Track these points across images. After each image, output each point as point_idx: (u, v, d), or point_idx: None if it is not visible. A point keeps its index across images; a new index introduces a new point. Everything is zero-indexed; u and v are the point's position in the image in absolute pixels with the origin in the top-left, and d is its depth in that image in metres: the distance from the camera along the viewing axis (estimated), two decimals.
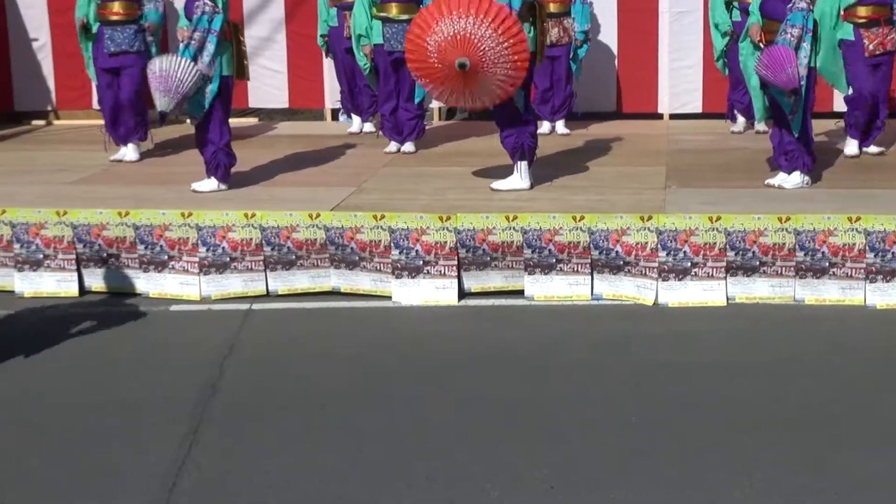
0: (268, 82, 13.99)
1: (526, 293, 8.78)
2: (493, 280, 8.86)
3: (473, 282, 8.85)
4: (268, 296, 8.95)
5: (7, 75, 14.20)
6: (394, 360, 7.66)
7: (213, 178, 9.91)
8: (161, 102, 9.55)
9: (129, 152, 11.36)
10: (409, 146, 11.59)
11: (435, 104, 13.52)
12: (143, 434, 6.53)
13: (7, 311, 8.78)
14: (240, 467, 6.11)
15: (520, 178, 9.78)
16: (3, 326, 8.41)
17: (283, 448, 6.33)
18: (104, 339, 8.19)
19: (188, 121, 10.52)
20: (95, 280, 9.18)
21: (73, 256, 9.12)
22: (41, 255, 9.15)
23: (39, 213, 9.18)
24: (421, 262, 8.79)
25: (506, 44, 9.28)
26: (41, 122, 14.32)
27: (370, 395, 7.05)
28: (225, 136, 9.97)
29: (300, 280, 9.01)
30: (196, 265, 8.99)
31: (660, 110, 13.90)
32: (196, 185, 9.89)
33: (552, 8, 12.11)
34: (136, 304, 8.89)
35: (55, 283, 9.14)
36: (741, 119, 12.66)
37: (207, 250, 8.97)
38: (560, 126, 12.74)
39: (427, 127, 12.00)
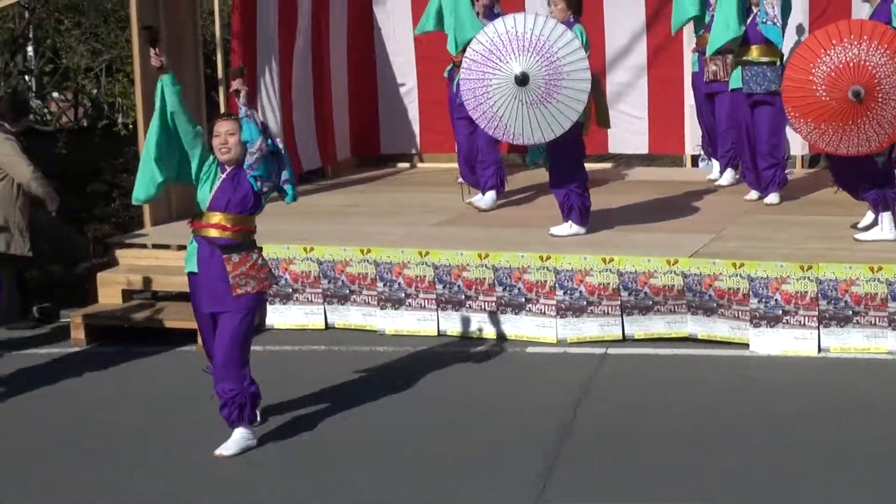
0: (628, 128, 13.98)
1: (889, 348, 8.50)
2: (854, 340, 8.59)
3: (833, 340, 8.62)
4: (623, 340, 8.97)
5: (375, 120, 14.67)
6: (749, 409, 7.56)
7: (568, 220, 9.97)
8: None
9: (484, 199, 11.43)
10: (772, 198, 11.27)
11: (796, 150, 13.22)
12: (498, 471, 6.64)
13: (370, 349, 9.08)
14: None
15: (881, 229, 9.47)
16: (363, 364, 8.70)
17: (634, 491, 6.33)
18: (462, 378, 8.38)
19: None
20: (451, 323, 9.36)
21: (434, 296, 9.35)
22: (403, 294, 9.40)
23: (403, 253, 9.44)
24: (780, 312, 8.63)
25: None
26: (405, 165, 14.69)
27: (724, 443, 6.99)
28: (577, 178, 9.93)
29: (656, 325, 8.98)
30: (553, 308, 9.07)
31: None
32: (554, 230, 9.96)
33: None
34: (494, 345, 9.05)
35: (416, 322, 9.38)
36: None
37: (565, 294, 9.04)
38: None
39: (790, 175, 11.74)
